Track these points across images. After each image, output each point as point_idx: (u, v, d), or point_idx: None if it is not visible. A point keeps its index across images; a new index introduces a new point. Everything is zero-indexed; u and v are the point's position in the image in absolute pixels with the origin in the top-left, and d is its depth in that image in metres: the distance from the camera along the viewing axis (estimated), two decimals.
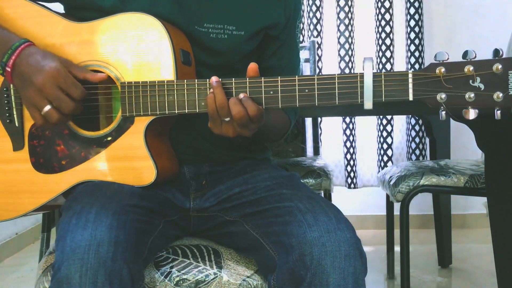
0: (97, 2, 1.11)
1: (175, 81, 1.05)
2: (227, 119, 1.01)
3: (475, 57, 0.92)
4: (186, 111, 1.05)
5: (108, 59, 1.09)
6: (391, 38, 3.01)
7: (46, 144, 1.13)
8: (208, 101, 1.01)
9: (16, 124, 1.14)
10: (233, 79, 1.02)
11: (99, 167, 1.10)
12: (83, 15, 1.12)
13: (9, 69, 1.06)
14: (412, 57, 3.01)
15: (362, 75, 0.96)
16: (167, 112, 1.06)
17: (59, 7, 1.20)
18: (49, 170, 1.12)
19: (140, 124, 1.08)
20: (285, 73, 1.23)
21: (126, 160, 1.08)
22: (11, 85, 1.13)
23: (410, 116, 3.04)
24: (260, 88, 1.01)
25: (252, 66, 1.03)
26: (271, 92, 1.01)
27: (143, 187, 1.08)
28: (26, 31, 1.12)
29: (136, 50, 1.07)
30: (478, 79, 0.92)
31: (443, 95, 0.93)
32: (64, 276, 0.90)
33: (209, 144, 1.19)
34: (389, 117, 3.05)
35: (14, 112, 1.14)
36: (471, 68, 0.91)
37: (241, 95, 1.00)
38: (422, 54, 3.00)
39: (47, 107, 1.03)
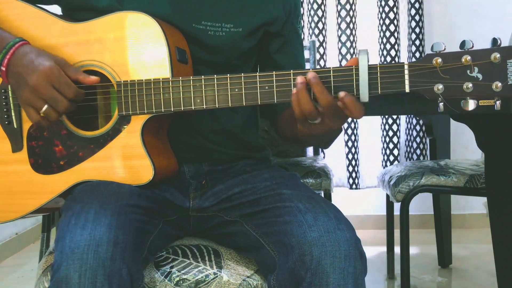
0: (93, 2, 1.11)
1: (170, 79, 1.05)
2: (317, 121, 0.99)
3: (473, 47, 0.90)
4: (182, 108, 1.05)
5: (104, 58, 1.09)
6: (396, 37, 3.00)
7: (44, 145, 1.13)
8: (292, 103, 0.98)
9: (15, 126, 1.14)
10: (228, 75, 1.02)
11: (97, 166, 1.10)
12: (81, 16, 1.12)
13: (3, 69, 1.06)
14: (413, 58, 2.99)
15: (357, 68, 0.95)
16: (163, 110, 1.06)
17: (57, 9, 1.20)
18: (48, 170, 1.12)
19: (137, 122, 1.08)
20: None
21: (124, 159, 1.08)
22: (9, 86, 1.13)
23: (411, 115, 3.03)
24: (255, 84, 1.01)
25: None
26: (266, 87, 1.01)
27: (141, 186, 1.08)
28: (24, 33, 1.12)
29: (132, 49, 1.07)
30: (476, 69, 0.90)
31: (440, 86, 0.91)
32: (63, 276, 0.90)
33: (208, 143, 1.19)
34: (394, 116, 3.03)
35: (13, 114, 1.14)
36: (468, 58, 0.89)
37: (310, 75, 0.96)
38: (423, 55, 2.98)
39: (45, 107, 1.03)
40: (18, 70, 1.04)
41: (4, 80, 1.08)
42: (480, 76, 0.90)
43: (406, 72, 0.93)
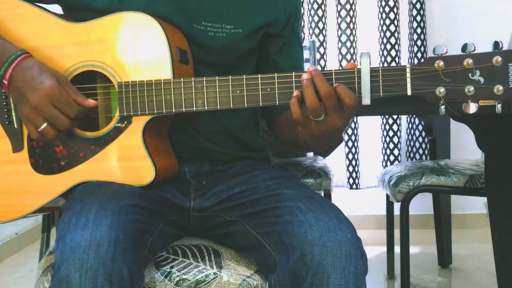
0: (94, 2, 1.11)
1: (171, 79, 1.05)
2: (321, 118, 0.98)
3: (474, 50, 0.90)
4: (184, 109, 1.05)
5: (105, 59, 1.09)
6: (396, 37, 3.00)
7: (45, 145, 1.13)
8: (292, 108, 0.98)
9: (15, 126, 1.14)
10: (230, 76, 1.02)
11: (98, 167, 1.09)
12: (82, 15, 1.12)
13: (6, 82, 1.06)
14: (415, 58, 3.00)
15: (359, 71, 0.95)
16: (164, 111, 1.06)
17: (58, 9, 1.20)
18: (48, 171, 1.12)
19: (138, 123, 1.08)
20: None
21: (125, 160, 1.08)
22: None
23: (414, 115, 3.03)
24: (257, 86, 1.01)
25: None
26: (268, 89, 1.01)
27: (142, 187, 1.08)
28: (24, 33, 1.12)
29: (133, 50, 1.07)
30: (478, 72, 0.90)
31: (442, 89, 0.91)
32: (64, 276, 0.90)
33: (208, 144, 1.19)
34: (395, 116, 3.03)
35: (13, 114, 1.14)
36: (470, 61, 0.90)
37: (310, 68, 0.96)
38: (425, 55, 2.99)
39: (44, 125, 1.04)
40: (19, 85, 1.04)
41: (7, 92, 1.08)
42: (481, 80, 0.90)
43: (408, 75, 0.93)
